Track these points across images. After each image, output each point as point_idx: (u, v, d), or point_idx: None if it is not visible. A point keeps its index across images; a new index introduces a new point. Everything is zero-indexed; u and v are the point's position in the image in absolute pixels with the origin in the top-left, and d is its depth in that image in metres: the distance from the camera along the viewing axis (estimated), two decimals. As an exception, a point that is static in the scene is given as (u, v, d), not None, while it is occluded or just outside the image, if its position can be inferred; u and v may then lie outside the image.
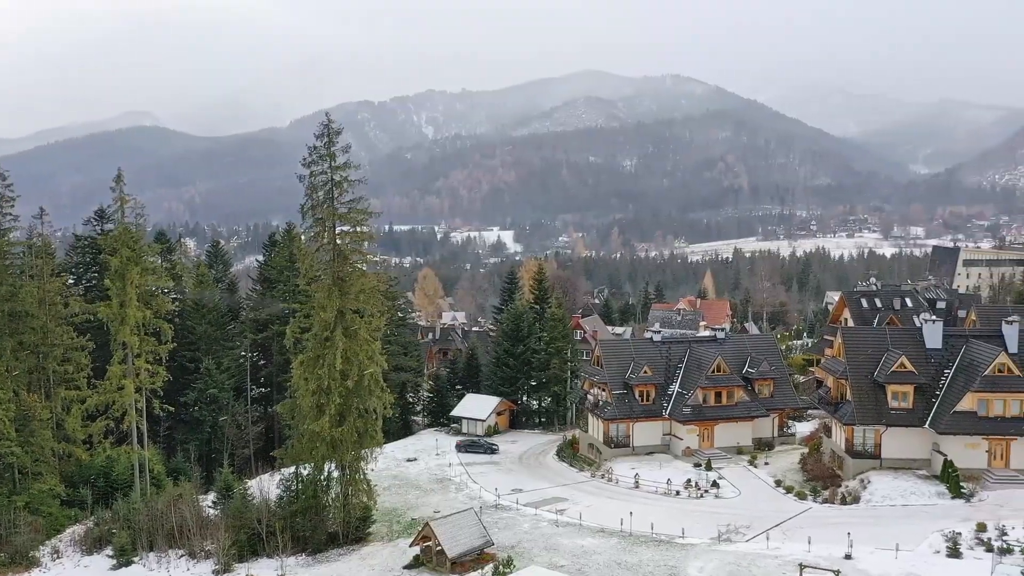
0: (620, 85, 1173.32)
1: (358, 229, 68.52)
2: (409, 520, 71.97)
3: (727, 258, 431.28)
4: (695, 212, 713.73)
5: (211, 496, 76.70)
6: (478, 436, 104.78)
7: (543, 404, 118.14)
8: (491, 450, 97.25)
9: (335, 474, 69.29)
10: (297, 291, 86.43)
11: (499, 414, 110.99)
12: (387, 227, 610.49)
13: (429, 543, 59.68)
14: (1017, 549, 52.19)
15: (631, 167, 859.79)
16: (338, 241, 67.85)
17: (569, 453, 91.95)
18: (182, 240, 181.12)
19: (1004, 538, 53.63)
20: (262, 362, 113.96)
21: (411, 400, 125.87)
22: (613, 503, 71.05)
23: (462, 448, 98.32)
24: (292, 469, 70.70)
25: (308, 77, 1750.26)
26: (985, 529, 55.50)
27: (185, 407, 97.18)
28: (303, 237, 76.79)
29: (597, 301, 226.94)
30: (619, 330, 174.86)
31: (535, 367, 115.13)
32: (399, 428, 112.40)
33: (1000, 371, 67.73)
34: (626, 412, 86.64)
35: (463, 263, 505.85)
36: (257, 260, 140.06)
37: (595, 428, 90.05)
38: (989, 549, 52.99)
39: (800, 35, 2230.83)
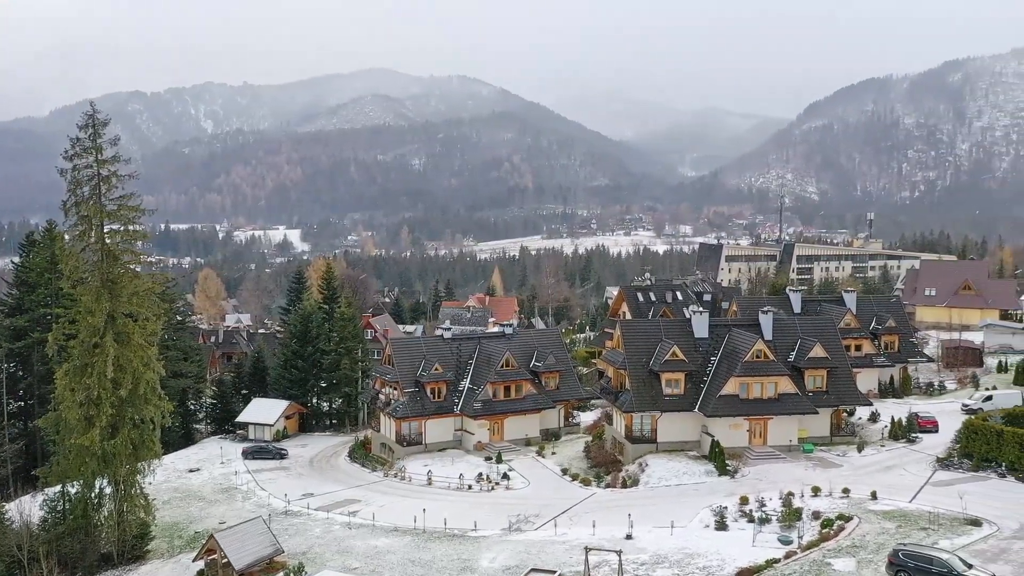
0: (408, 84, 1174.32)
1: (129, 228, 64.46)
2: (192, 533, 68.64)
3: (514, 256, 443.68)
4: (483, 211, 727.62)
5: (-39, 524, 69.10)
6: (266, 442, 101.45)
7: (334, 406, 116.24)
8: (280, 455, 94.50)
9: (108, 490, 64.81)
10: (60, 295, 79.99)
11: (288, 418, 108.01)
12: (163, 225, 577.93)
13: (214, 556, 57.13)
14: (774, 518, 57.49)
15: (420, 166, 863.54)
16: (107, 240, 63.39)
17: (361, 454, 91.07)
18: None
19: (763, 509, 58.88)
20: (20, 373, 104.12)
21: (193, 407, 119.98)
22: (406, 501, 71.14)
23: (249, 455, 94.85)
24: (58, 488, 65.32)
25: (70, 64, 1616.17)
26: (747, 502, 60.56)
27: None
28: (66, 236, 70.94)
29: (388, 300, 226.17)
30: (410, 328, 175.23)
31: (325, 368, 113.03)
32: (180, 437, 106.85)
33: (758, 357, 74.13)
34: (418, 410, 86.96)
35: (247, 263, 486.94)
36: (13, 262, 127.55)
37: (387, 427, 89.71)
38: (751, 520, 57.94)
39: (577, 42, 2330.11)
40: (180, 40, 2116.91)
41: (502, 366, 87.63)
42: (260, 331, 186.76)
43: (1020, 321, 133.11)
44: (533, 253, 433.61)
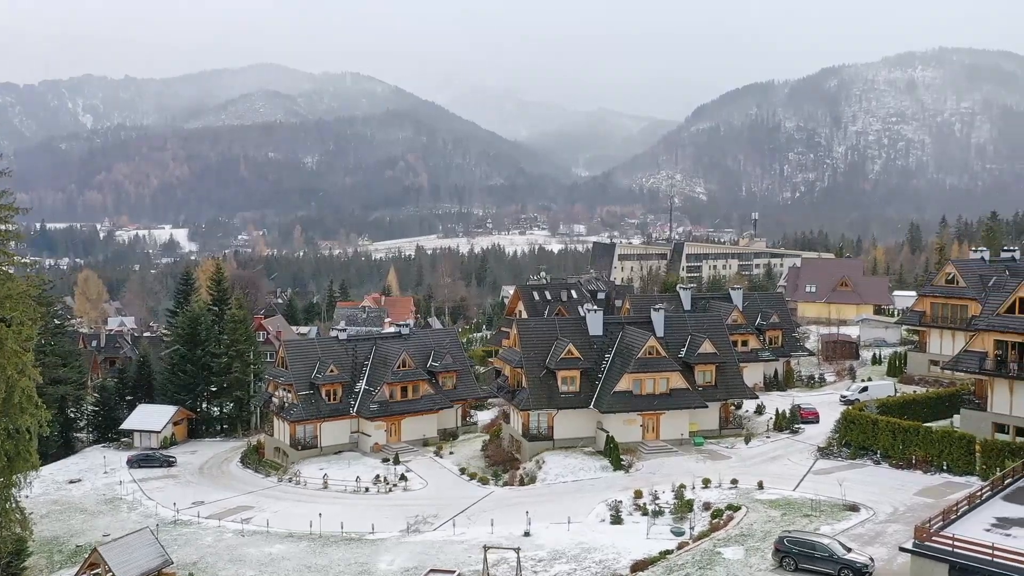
0: (300, 80, 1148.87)
1: (2, 227, 61.11)
2: (74, 547, 65.73)
3: (410, 255, 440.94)
4: (378, 210, 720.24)
5: None
6: (153, 449, 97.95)
7: (225, 410, 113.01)
8: (168, 463, 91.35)
9: (-20, 505, 61.16)
10: (-76, 299, 74.93)
11: (176, 424, 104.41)
12: (39, 225, 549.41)
13: (98, 570, 54.71)
14: (667, 510, 59.05)
15: (312, 164, 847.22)
16: (-23, 241, 59.92)
17: (254, 459, 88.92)
18: None
19: (656, 502, 60.42)
20: None
21: (73, 415, 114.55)
22: (302, 506, 69.93)
23: (135, 463, 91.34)
24: (-77, 505, 61.28)
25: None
26: (641, 496, 61.98)
27: None
28: (-69, 237, 66.63)
29: (280, 301, 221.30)
30: (304, 330, 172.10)
31: (215, 372, 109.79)
32: (59, 447, 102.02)
33: (650, 353, 75.89)
34: (313, 412, 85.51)
35: (131, 264, 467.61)
36: None
37: (281, 431, 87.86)
38: (645, 513, 59.37)
39: (470, 42, 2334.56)
40: (55, 29, 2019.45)
41: (399, 367, 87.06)
42: (145, 334, 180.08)
43: (892, 316, 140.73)
44: (429, 252, 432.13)
